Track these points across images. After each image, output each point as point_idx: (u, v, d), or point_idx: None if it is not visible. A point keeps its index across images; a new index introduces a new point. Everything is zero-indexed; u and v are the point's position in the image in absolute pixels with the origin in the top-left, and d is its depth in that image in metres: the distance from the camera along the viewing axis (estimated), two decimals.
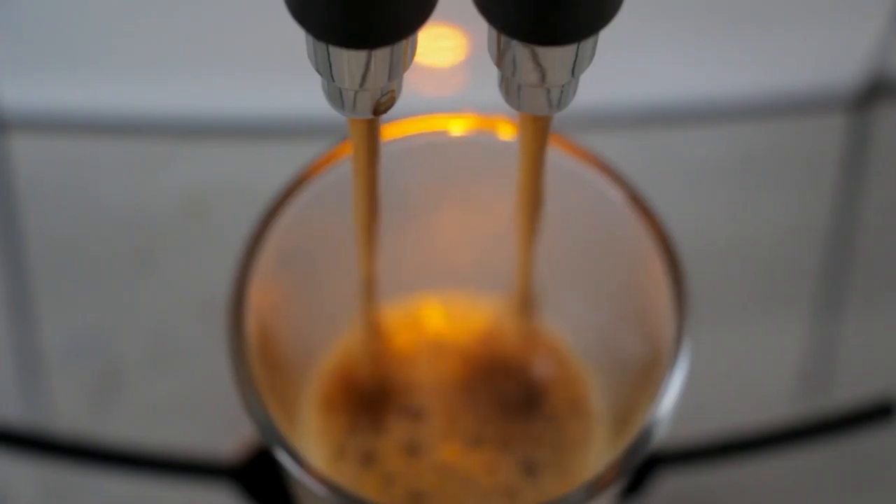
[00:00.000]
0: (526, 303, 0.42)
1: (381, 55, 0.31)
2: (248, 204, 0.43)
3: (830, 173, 0.57)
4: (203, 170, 0.56)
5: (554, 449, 0.42)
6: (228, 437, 0.47)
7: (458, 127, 0.41)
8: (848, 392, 0.52)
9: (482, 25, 0.31)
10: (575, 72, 0.32)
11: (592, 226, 0.42)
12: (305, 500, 0.40)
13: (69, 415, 0.52)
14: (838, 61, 0.58)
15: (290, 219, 0.40)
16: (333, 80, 0.32)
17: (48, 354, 0.53)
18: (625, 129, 0.58)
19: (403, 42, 0.31)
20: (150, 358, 0.53)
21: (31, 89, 0.57)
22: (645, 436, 0.37)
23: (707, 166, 0.57)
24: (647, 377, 0.40)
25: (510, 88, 0.33)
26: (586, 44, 0.31)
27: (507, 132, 0.41)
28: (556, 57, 0.31)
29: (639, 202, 0.40)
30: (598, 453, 0.42)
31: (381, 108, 0.33)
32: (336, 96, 0.33)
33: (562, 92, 0.33)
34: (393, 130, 0.41)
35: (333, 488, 0.36)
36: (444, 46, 0.56)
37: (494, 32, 0.31)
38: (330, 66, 0.31)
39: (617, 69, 0.53)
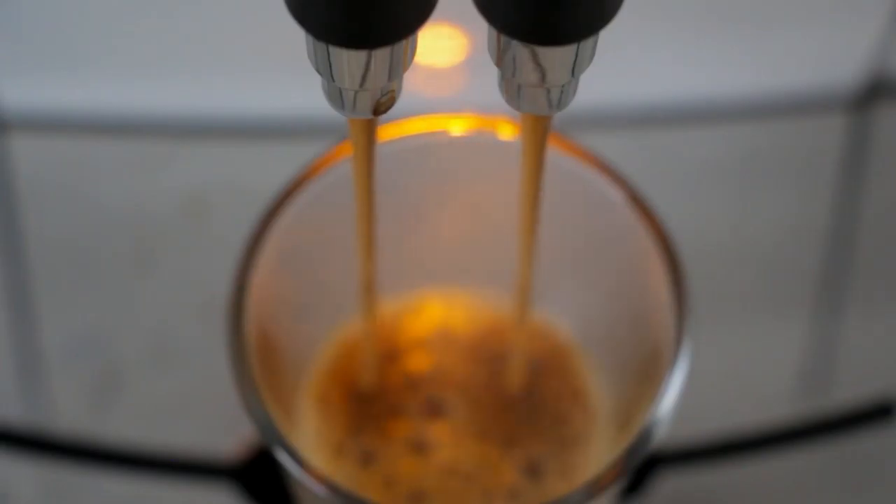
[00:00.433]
0: (526, 302, 0.42)
1: (381, 55, 0.31)
2: (248, 204, 0.43)
3: (830, 173, 0.57)
4: (203, 170, 0.56)
5: (556, 447, 0.42)
6: (228, 437, 0.47)
7: (458, 127, 0.41)
8: (848, 392, 0.52)
9: (482, 25, 0.31)
10: (575, 72, 0.32)
11: (592, 226, 0.42)
12: (305, 501, 0.40)
13: (69, 415, 0.52)
14: (838, 61, 0.58)
15: (290, 219, 0.40)
16: (333, 80, 0.32)
17: (48, 354, 0.53)
18: (625, 129, 0.58)
19: (403, 42, 0.31)
20: (150, 358, 0.53)
21: (31, 89, 0.57)
22: (645, 436, 0.37)
23: (707, 166, 0.57)
24: (648, 377, 0.40)
25: (510, 88, 0.33)
26: (586, 44, 0.31)
27: (507, 132, 0.41)
28: (556, 57, 0.31)
29: (639, 202, 0.40)
30: (601, 452, 0.42)
31: (381, 108, 0.33)
32: (336, 96, 0.33)
33: (562, 92, 0.33)
34: (393, 130, 0.41)
35: (333, 488, 0.36)
36: (444, 46, 0.56)
37: (494, 32, 0.31)
38: (330, 66, 0.31)
39: (617, 69, 0.53)
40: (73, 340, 0.53)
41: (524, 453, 0.42)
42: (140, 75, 0.58)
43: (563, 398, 0.43)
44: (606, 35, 0.31)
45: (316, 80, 0.33)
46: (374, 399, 0.43)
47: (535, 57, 0.31)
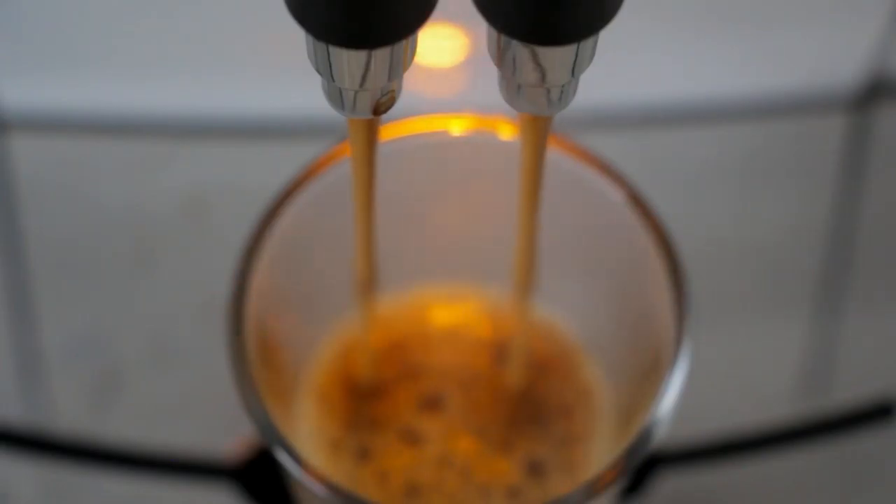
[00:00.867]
0: (527, 302, 0.42)
1: (381, 55, 0.31)
2: (248, 204, 0.43)
3: (830, 173, 0.57)
4: (203, 170, 0.56)
5: (556, 445, 0.42)
6: (228, 437, 0.47)
7: (458, 127, 0.41)
8: (848, 392, 0.52)
9: (482, 25, 0.31)
10: (575, 72, 0.32)
11: (592, 226, 0.42)
12: (305, 500, 0.40)
13: (69, 415, 0.52)
14: (838, 61, 0.58)
15: (290, 219, 0.40)
16: (333, 80, 0.32)
17: (48, 354, 0.53)
18: (625, 129, 0.58)
19: (403, 42, 0.31)
20: (150, 358, 0.53)
21: (31, 89, 0.57)
22: (645, 436, 0.37)
23: (707, 166, 0.57)
24: (648, 377, 0.40)
25: (510, 88, 0.33)
26: (586, 44, 0.31)
27: (507, 132, 0.41)
28: (556, 57, 0.31)
29: (639, 202, 0.40)
30: (601, 450, 0.42)
31: (381, 108, 0.33)
32: (336, 96, 0.33)
33: (562, 92, 0.33)
34: (393, 130, 0.41)
35: (333, 488, 0.36)
36: (444, 46, 0.56)
37: (494, 32, 0.31)
38: (330, 66, 0.31)
39: (617, 69, 0.53)
40: (73, 340, 0.53)
41: (524, 451, 0.42)
42: (140, 75, 0.58)
43: (564, 396, 0.43)
44: (606, 35, 0.31)
45: (316, 80, 0.33)
46: (374, 396, 0.43)
47: (535, 57, 0.31)
